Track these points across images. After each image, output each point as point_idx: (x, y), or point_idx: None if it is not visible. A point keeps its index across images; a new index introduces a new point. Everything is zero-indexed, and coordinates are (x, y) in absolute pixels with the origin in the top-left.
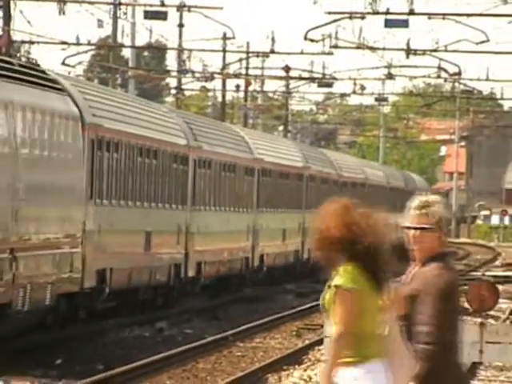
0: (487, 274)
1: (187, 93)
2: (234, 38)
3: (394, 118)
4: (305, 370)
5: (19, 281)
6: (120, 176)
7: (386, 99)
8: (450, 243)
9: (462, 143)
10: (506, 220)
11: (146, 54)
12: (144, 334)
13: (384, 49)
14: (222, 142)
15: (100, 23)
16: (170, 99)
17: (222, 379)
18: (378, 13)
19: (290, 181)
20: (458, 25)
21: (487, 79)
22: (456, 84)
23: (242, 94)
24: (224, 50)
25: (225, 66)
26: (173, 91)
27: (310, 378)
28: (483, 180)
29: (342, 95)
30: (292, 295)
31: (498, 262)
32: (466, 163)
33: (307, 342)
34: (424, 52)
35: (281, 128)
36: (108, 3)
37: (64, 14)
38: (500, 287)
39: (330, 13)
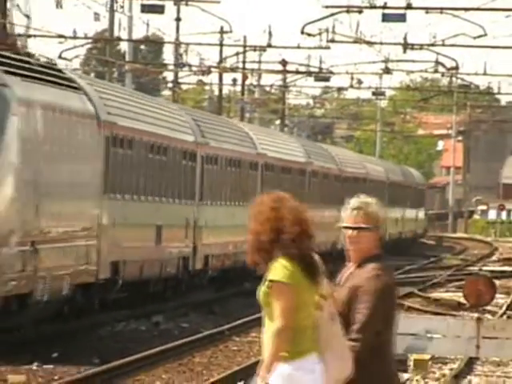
0: (484, 268)
1: (184, 86)
2: (231, 31)
3: (391, 112)
4: None
5: (40, 272)
6: (133, 172)
7: (383, 93)
8: (447, 238)
9: (459, 138)
10: (503, 215)
11: (142, 47)
12: (140, 327)
13: (381, 43)
14: (227, 139)
15: (97, 16)
16: (166, 93)
17: (217, 373)
18: (375, 7)
19: (292, 175)
20: (456, 19)
21: (485, 73)
22: (453, 78)
23: (238, 88)
24: (221, 44)
25: (222, 59)
26: (170, 85)
27: None
28: (480, 175)
29: (339, 89)
30: None
31: (494, 257)
32: (463, 158)
33: None
34: (421, 46)
35: (277, 122)
36: None
37: (61, 7)
38: (497, 282)
39: (327, 7)
